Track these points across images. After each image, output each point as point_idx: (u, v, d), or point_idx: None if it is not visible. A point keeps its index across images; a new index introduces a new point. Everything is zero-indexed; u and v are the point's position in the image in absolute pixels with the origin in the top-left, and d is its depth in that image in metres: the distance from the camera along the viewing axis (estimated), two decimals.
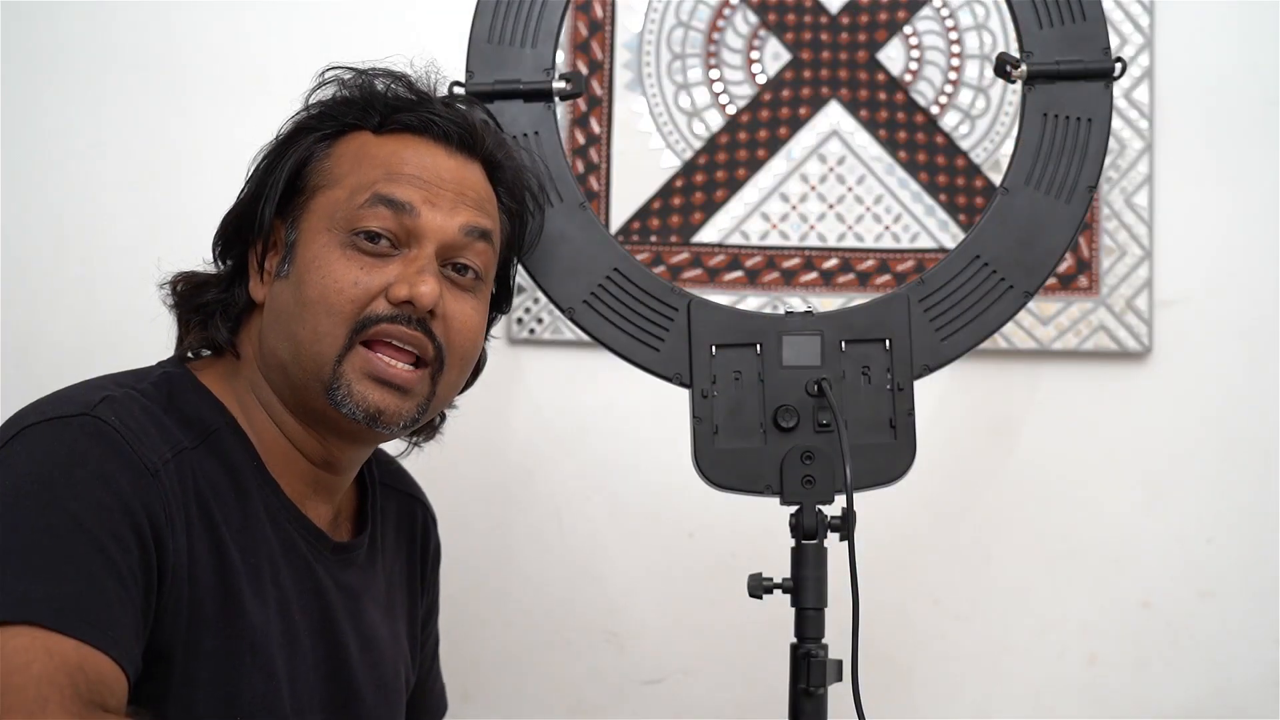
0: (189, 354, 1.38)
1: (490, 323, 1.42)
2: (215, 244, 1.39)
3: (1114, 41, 1.79)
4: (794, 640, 1.39)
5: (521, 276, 1.47)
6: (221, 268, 1.39)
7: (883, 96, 2.04)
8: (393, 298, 1.29)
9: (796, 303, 2.01)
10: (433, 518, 1.58)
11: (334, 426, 1.33)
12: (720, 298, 1.78)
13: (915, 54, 2.04)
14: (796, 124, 2.04)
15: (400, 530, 1.51)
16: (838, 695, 1.37)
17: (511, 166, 1.40)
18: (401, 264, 1.30)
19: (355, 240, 1.30)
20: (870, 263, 2.03)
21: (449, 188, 1.33)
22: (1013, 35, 1.57)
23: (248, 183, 1.38)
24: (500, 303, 1.44)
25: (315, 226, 1.32)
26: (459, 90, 1.45)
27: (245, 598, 1.26)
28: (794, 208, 2.03)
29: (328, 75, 1.40)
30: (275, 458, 1.34)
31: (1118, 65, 1.48)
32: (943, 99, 2.04)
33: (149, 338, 1.45)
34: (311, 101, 1.39)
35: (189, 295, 1.39)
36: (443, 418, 1.46)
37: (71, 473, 1.18)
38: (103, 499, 1.17)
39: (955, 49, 2.04)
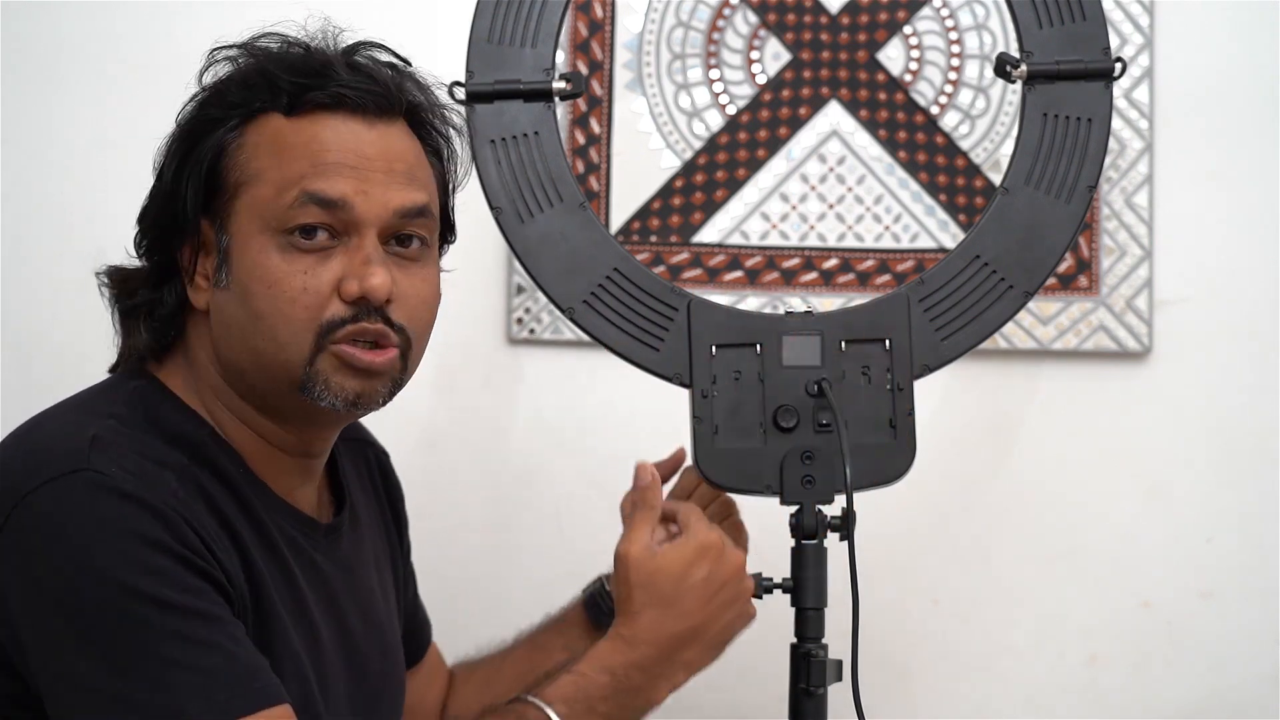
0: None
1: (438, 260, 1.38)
2: (138, 242, 1.33)
3: (1114, 41, 1.79)
4: (794, 640, 1.39)
5: (521, 276, 1.47)
6: (145, 262, 1.33)
7: (883, 96, 2.03)
8: (345, 295, 1.25)
9: (796, 303, 2.01)
10: (384, 453, 1.56)
11: (310, 418, 1.31)
12: (720, 298, 1.78)
13: (915, 54, 2.04)
14: (796, 124, 2.04)
15: (361, 479, 1.50)
16: (838, 695, 1.37)
17: (429, 103, 1.36)
18: (345, 255, 1.26)
19: (292, 240, 1.25)
20: (870, 263, 2.03)
21: (377, 166, 1.27)
22: (1013, 35, 1.57)
23: (158, 179, 1.31)
24: (445, 236, 1.40)
25: (246, 229, 1.26)
26: (459, 90, 1.45)
27: (276, 604, 1.25)
28: (794, 208, 2.03)
29: (219, 55, 1.32)
30: (257, 458, 1.32)
31: (1118, 65, 1.48)
32: (943, 99, 2.04)
33: None
34: (207, 83, 1.31)
35: (119, 294, 1.35)
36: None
37: (115, 544, 1.14)
38: (159, 562, 1.15)
39: (955, 49, 2.04)
